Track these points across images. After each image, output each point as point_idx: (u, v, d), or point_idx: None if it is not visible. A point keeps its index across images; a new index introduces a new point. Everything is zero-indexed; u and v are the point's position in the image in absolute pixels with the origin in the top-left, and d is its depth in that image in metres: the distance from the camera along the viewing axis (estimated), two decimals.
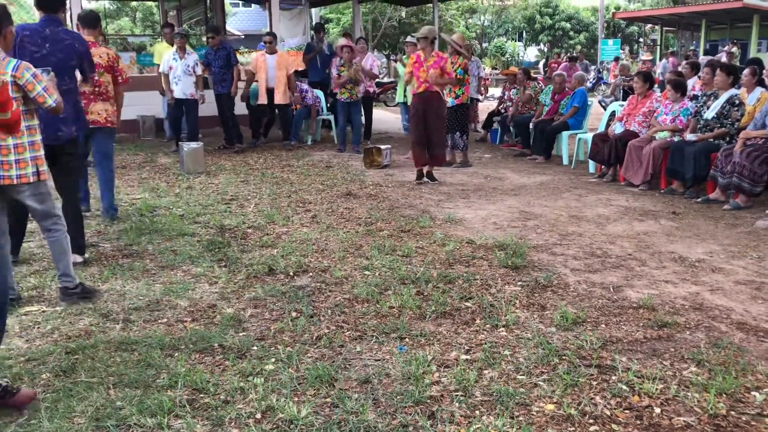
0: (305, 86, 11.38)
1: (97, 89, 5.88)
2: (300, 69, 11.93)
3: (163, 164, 9.20)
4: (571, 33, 42.44)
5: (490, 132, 11.89)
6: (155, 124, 12.03)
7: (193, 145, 8.72)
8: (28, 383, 3.06)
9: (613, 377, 3.13)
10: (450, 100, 8.84)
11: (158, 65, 11.20)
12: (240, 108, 10.86)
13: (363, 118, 11.09)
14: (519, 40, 46.23)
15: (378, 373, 3.16)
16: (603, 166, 8.34)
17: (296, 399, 2.92)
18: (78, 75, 5.09)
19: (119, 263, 4.88)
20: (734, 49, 20.08)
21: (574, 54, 24.68)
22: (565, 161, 9.50)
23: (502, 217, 6.28)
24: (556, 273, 4.63)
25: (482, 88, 13.50)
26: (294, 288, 4.34)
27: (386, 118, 14.81)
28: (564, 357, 3.33)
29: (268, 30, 12.73)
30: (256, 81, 10.53)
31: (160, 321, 3.83)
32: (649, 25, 39.09)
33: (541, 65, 28.63)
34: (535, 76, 13.27)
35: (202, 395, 2.97)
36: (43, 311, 3.98)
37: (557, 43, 42.14)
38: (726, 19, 28.02)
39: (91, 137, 5.99)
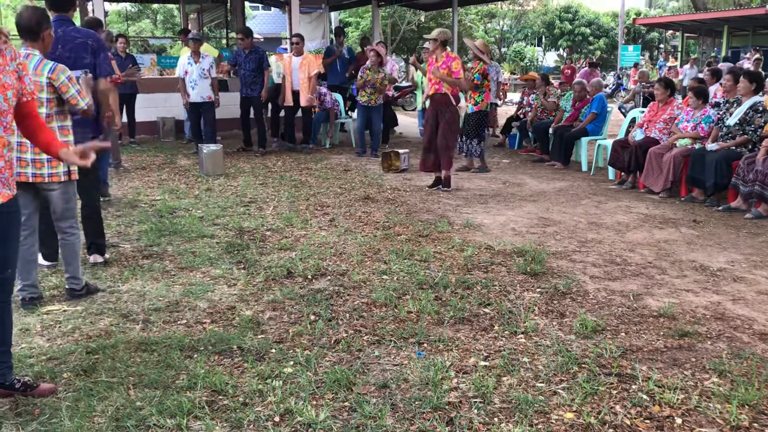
0: (324, 89, 11.42)
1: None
2: (320, 72, 11.97)
3: (183, 166, 9.27)
4: (591, 38, 42.22)
5: (509, 137, 11.85)
6: (175, 126, 12.12)
7: (213, 147, 8.78)
8: (49, 382, 3.09)
9: (634, 386, 3.10)
10: (470, 107, 8.81)
11: None
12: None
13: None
14: (538, 45, 46.08)
15: (396, 378, 3.15)
16: (623, 173, 8.28)
17: (314, 402, 2.93)
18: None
19: (139, 264, 4.92)
20: (757, 56, 19.88)
21: (594, 60, 24.58)
22: (584, 167, 9.45)
23: (521, 223, 6.25)
24: (576, 280, 4.61)
25: (501, 93, 13.47)
26: (312, 291, 4.35)
27: (404, 123, 14.81)
28: (583, 365, 3.31)
29: (287, 33, 12.80)
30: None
31: (179, 322, 3.85)
32: (670, 32, 38.82)
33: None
34: (553, 81, 13.22)
35: (221, 397, 2.98)
36: (65, 310, 4.02)
37: (576, 49, 41.96)
38: (749, 26, 27.74)
39: None
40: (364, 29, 28.86)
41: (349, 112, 12.93)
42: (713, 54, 26.37)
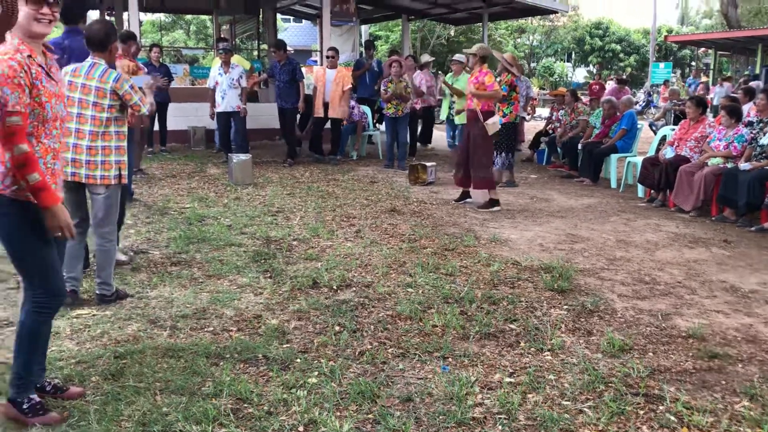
0: (353, 102, 11.49)
1: None
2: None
3: (213, 175, 9.37)
4: (621, 55, 41.94)
5: (537, 152, 11.80)
6: (206, 135, 12.27)
7: (242, 156, 8.87)
8: (78, 385, 3.13)
9: (661, 407, 3.05)
10: (498, 119, 8.77)
11: None
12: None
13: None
14: (568, 61, 45.88)
15: (420, 392, 3.15)
16: (652, 191, 8.19)
17: (338, 414, 2.93)
18: None
19: (168, 270, 4.98)
20: None
21: (623, 76, 24.37)
22: (613, 184, 9.37)
23: (549, 239, 6.21)
24: (603, 298, 4.56)
25: (530, 108, 13.43)
26: (337, 302, 4.36)
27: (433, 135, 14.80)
28: (610, 384, 3.27)
29: (317, 45, 12.92)
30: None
31: (206, 329, 3.88)
32: (702, 49, 38.40)
33: None
34: (582, 97, 13.15)
35: (246, 405, 3.00)
36: (94, 314, 4.07)
37: (607, 65, 41.68)
38: None
39: None
40: (394, 42, 29.00)
41: (377, 125, 12.98)
42: (747, 72, 26.03)
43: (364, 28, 20.65)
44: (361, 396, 3.07)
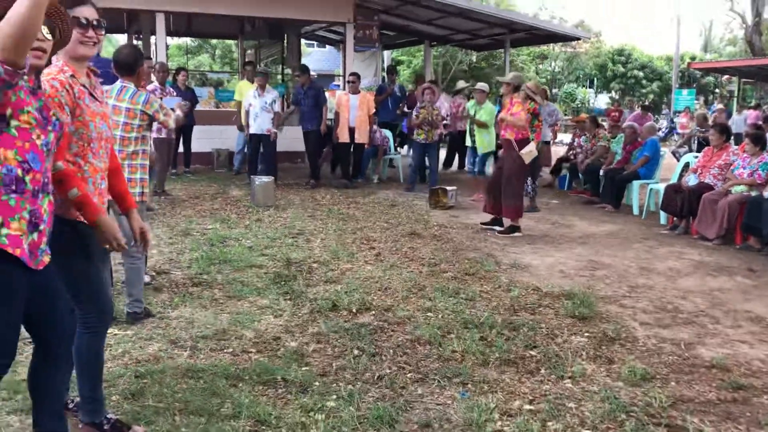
0: (375, 126, 11.58)
1: None
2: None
3: (235, 196, 9.45)
4: (644, 82, 41.82)
5: (559, 178, 11.77)
6: (229, 157, 12.41)
7: (264, 178, 8.95)
8: (140, 426, 3.08)
9: None
10: (534, 147, 8.77)
11: (238, 101, 11.65)
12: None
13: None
14: (590, 87, 45.84)
15: (439, 418, 3.13)
16: (675, 218, 8.12)
17: None
18: None
19: (189, 291, 5.02)
20: None
21: (646, 103, 24.30)
22: (636, 211, 9.30)
23: (570, 265, 6.17)
24: (625, 326, 4.51)
25: (551, 134, 13.39)
26: (357, 325, 4.36)
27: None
28: (631, 413, 3.22)
29: (340, 70, 13.07)
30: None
31: (226, 350, 3.90)
32: (726, 77, 38.19)
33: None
34: (602, 123, 13.12)
35: (264, 427, 3.00)
36: (115, 334, 4.10)
37: (629, 91, 41.58)
38: None
39: None
40: (416, 68, 29.19)
41: (398, 148, 13.05)
42: None
43: (386, 53, 20.84)
44: (379, 420, 3.06)
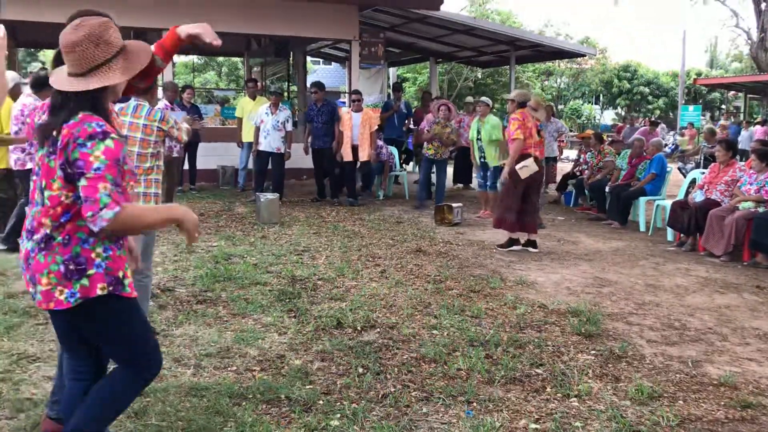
0: (380, 142, 11.60)
1: None
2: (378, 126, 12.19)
3: (240, 213, 9.46)
4: (650, 98, 41.86)
5: (564, 194, 11.75)
6: (234, 174, 12.44)
7: (269, 195, 8.96)
8: None
9: None
10: (531, 162, 8.76)
11: (239, 118, 11.69)
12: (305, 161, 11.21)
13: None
14: (596, 104, 45.89)
15: None
16: (682, 235, 8.08)
17: None
18: None
19: (193, 308, 5.01)
20: None
21: (655, 119, 24.31)
22: (642, 228, 9.26)
23: (576, 282, 6.14)
24: (632, 343, 4.47)
25: (557, 149, 13.40)
26: (361, 343, 4.33)
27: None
28: None
29: (345, 87, 13.13)
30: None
31: (229, 368, 3.88)
32: (732, 92, 38.21)
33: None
34: (607, 139, 13.12)
35: None
36: None
37: (635, 108, 41.59)
38: None
39: None
40: (422, 84, 29.29)
41: (404, 165, 13.07)
42: None
43: (392, 70, 20.91)
44: None
